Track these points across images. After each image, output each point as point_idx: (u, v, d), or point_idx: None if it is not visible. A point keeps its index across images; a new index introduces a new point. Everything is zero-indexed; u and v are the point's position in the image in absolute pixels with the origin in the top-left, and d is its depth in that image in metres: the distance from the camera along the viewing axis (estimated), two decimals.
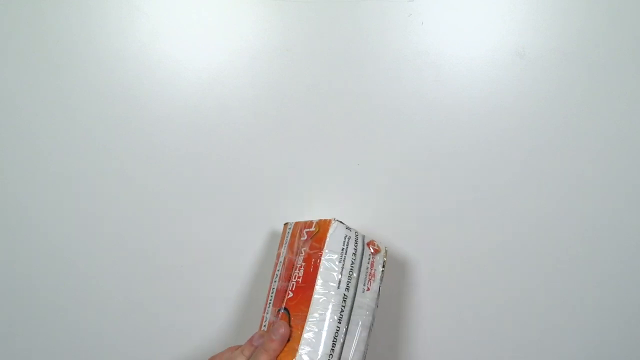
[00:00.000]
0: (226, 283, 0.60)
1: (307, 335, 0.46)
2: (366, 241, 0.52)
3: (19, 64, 0.56)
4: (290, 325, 0.47)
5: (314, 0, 0.56)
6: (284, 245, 0.54)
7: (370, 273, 0.50)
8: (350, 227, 0.51)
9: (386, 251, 0.53)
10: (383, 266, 0.51)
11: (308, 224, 0.52)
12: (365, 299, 0.49)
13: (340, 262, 0.48)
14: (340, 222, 0.51)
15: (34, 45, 0.56)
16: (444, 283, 0.60)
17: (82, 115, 0.57)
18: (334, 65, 0.57)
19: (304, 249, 0.50)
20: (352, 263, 0.49)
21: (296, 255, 0.51)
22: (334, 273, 0.48)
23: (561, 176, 0.59)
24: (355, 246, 0.50)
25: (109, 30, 0.56)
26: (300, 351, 0.46)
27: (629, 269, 0.61)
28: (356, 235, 0.51)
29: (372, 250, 0.51)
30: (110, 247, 0.59)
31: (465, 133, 0.58)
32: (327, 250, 0.49)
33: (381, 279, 0.51)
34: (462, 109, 0.58)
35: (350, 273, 0.49)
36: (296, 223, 0.54)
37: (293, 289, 0.49)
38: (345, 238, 0.50)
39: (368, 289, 0.50)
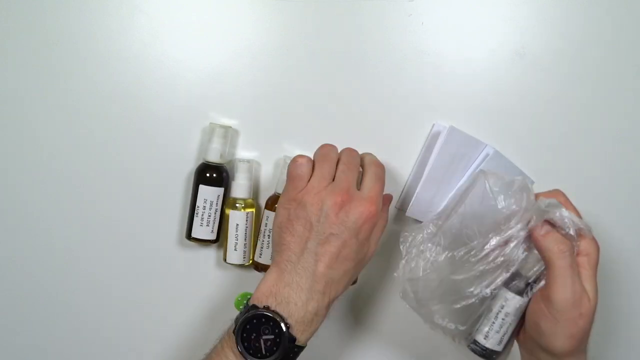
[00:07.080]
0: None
1: None
2: None
3: (18, 64, 0.56)
4: None
5: (314, 0, 0.56)
6: None
7: None
8: None
9: None
10: None
11: None
12: None
13: None
14: None
15: (34, 45, 0.56)
16: None
17: (81, 115, 0.57)
18: (334, 65, 0.57)
19: None
20: None
21: None
22: None
23: (561, 176, 0.59)
24: None
25: (109, 30, 0.56)
26: None
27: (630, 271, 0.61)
28: None
29: None
30: (110, 245, 0.59)
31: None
32: None
33: None
34: (462, 109, 0.58)
35: None
36: None
37: None
38: None
39: None
